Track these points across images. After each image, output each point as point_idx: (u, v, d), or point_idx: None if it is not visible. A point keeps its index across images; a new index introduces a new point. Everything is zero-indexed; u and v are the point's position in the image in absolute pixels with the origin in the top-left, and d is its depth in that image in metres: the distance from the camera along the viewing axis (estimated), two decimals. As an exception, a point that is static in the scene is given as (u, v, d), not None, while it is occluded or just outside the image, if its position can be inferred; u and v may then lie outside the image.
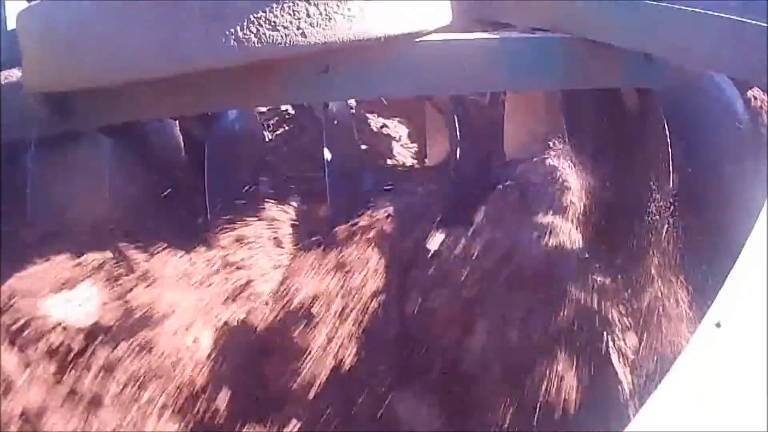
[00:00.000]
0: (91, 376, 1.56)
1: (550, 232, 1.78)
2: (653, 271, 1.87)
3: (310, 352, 1.66)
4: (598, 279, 1.78)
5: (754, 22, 1.40)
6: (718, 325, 0.90)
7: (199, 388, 1.63)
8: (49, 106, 1.82)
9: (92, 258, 1.69)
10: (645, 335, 1.73)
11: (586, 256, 1.81)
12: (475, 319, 1.73)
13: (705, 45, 1.53)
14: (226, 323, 1.71)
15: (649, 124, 1.96)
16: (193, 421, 1.62)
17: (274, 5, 1.61)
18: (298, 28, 1.63)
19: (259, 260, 1.83)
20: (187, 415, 1.61)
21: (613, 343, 1.69)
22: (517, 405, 1.64)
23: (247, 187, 1.97)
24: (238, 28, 1.59)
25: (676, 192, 1.86)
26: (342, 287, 1.75)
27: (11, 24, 2.03)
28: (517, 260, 1.75)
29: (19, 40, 1.80)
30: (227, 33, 1.59)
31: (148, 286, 1.67)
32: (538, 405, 1.61)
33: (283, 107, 2.78)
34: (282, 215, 1.95)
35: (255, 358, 1.73)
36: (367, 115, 3.45)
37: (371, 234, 1.83)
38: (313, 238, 1.89)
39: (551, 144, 2.13)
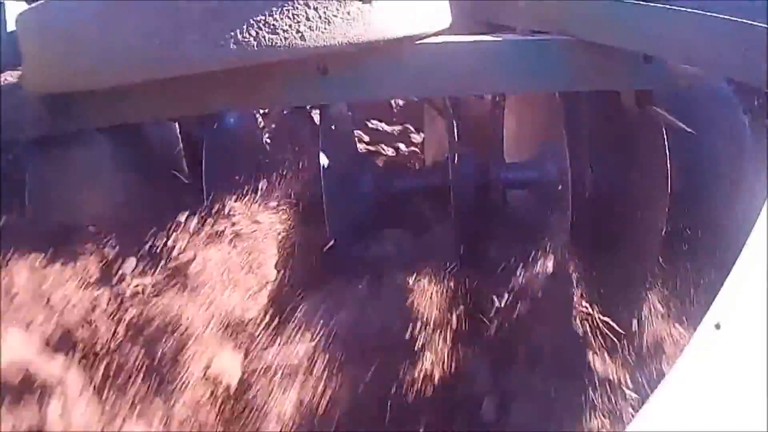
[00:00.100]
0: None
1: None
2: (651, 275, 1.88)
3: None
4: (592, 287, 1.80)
5: (754, 23, 1.40)
6: (717, 326, 0.90)
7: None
8: (49, 107, 1.82)
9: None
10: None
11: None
12: None
13: (705, 46, 1.53)
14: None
15: (648, 125, 1.96)
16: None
17: (274, 8, 1.61)
18: (298, 31, 1.63)
19: (258, 259, 1.83)
20: None
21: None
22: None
23: (244, 189, 1.97)
24: (238, 30, 1.59)
25: (676, 192, 1.86)
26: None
27: (11, 25, 2.04)
28: None
29: (19, 41, 1.81)
30: (227, 35, 1.59)
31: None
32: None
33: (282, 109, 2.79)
34: (278, 217, 1.95)
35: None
36: (366, 116, 3.47)
37: None
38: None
39: (550, 146, 2.14)
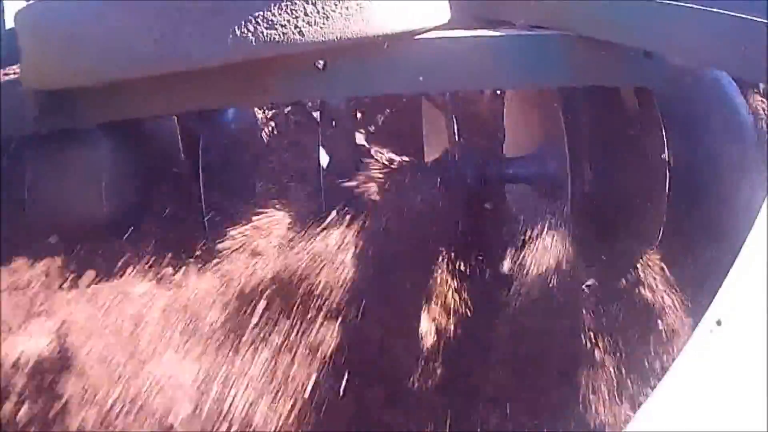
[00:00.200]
0: None
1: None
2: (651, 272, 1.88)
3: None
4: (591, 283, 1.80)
5: (755, 19, 1.39)
6: (718, 323, 0.90)
7: None
8: (48, 103, 1.82)
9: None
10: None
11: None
12: None
13: (705, 43, 1.52)
14: None
15: (648, 122, 1.96)
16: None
17: (272, 4, 1.61)
18: (296, 26, 1.62)
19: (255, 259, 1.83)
20: None
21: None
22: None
23: (243, 186, 1.97)
24: (236, 26, 1.59)
25: (675, 190, 1.86)
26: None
27: (10, 22, 2.03)
28: None
29: (17, 38, 1.80)
30: (225, 31, 1.59)
31: None
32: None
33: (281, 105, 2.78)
34: (277, 214, 1.95)
35: None
36: (365, 112, 3.45)
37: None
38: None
39: (550, 142, 2.14)
